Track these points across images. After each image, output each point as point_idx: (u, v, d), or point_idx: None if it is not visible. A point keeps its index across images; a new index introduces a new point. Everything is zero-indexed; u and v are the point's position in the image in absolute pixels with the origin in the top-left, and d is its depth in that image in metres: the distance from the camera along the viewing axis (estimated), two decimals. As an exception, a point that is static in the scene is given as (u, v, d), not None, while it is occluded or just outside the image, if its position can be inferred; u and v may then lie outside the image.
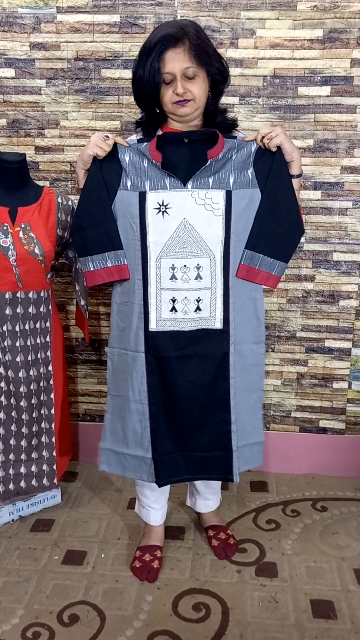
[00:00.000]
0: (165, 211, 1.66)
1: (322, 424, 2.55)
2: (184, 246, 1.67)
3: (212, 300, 1.71)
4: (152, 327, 1.71)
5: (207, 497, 2.11)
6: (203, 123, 1.73)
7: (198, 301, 1.70)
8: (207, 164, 1.63)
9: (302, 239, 2.36)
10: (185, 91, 1.60)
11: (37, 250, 1.96)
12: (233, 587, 1.90)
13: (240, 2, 2.17)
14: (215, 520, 2.16)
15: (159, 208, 1.66)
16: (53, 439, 2.18)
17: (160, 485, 1.81)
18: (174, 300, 1.70)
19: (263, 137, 1.64)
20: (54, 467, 2.20)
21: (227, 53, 2.22)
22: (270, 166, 1.66)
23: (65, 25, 2.25)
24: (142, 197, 1.66)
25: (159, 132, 1.72)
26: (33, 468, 2.17)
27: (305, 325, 2.46)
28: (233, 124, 1.75)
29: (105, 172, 1.67)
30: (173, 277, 1.69)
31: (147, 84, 1.63)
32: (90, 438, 2.61)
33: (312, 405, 2.54)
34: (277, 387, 2.53)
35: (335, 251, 2.37)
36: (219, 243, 1.68)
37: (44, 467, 2.19)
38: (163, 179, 1.65)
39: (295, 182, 1.68)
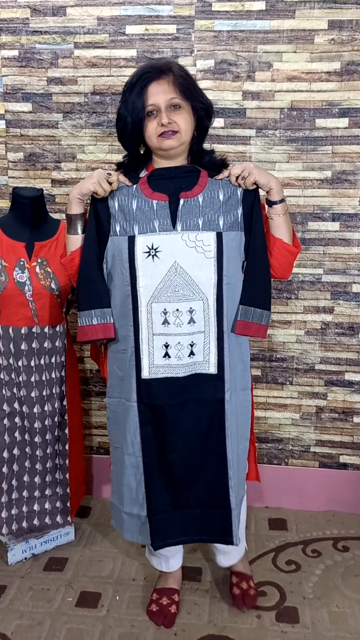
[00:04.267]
0: (155, 255, 1.61)
1: (343, 459, 2.49)
2: (175, 290, 1.62)
3: (205, 344, 1.65)
4: (145, 374, 1.65)
5: (226, 549, 1.93)
6: (190, 162, 1.71)
7: (192, 346, 1.64)
8: (181, 203, 1.61)
9: (320, 270, 2.34)
10: (170, 122, 1.58)
11: (53, 285, 1.94)
12: (253, 633, 1.83)
13: (257, 36, 2.17)
14: (242, 567, 2.03)
15: (148, 252, 1.60)
16: (67, 475, 2.14)
17: (155, 549, 1.75)
18: (167, 346, 1.64)
19: (237, 178, 1.61)
20: (68, 504, 2.16)
21: (244, 86, 2.21)
22: (252, 210, 1.65)
23: (83, 60, 2.26)
24: (131, 241, 1.61)
25: (142, 174, 1.69)
26: (46, 505, 2.13)
27: (324, 358, 2.41)
28: (223, 163, 1.71)
29: (101, 215, 1.65)
30: (165, 322, 1.63)
31: (130, 119, 1.60)
32: (104, 472, 2.55)
33: (332, 439, 2.48)
34: (296, 421, 2.48)
35: (354, 283, 2.33)
36: (211, 286, 1.62)
37: (58, 504, 2.15)
38: (152, 222, 1.61)
39: (279, 208, 1.64)
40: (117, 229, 1.63)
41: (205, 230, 1.61)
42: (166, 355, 1.64)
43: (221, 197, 1.64)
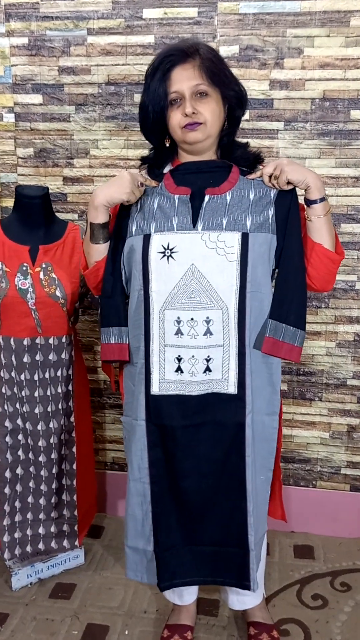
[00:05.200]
0: (170, 255, 1.44)
1: (376, 482, 2.28)
2: (191, 296, 1.44)
3: (224, 360, 1.47)
4: (154, 389, 1.49)
5: (241, 591, 1.65)
6: (220, 157, 1.54)
7: (208, 360, 1.46)
8: (205, 199, 1.45)
9: (354, 277, 2.14)
10: (195, 111, 1.41)
11: (58, 293, 1.78)
12: None
13: (287, 19, 1.97)
14: (260, 615, 1.80)
15: (163, 252, 1.44)
16: (75, 497, 1.99)
17: (162, 589, 1.59)
18: (179, 359, 1.47)
19: (270, 178, 1.45)
20: (76, 527, 2.00)
21: (272, 74, 2.02)
22: (288, 212, 1.47)
23: (96, 47, 2.09)
24: (147, 240, 1.46)
25: (167, 170, 1.54)
26: (52, 529, 1.98)
27: (357, 372, 2.21)
28: (257, 158, 1.53)
29: (122, 219, 1.52)
30: (178, 332, 1.46)
31: (152, 109, 1.45)
32: (118, 488, 2.41)
33: (364, 461, 2.28)
34: (325, 441, 2.28)
35: (391, 291, 2.12)
36: (232, 293, 1.44)
37: (65, 527, 2.00)
38: (170, 219, 1.46)
39: (319, 208, 1.44)
40: (134, 228, 1.49)
41: (229, 230, 1.44)
42: (178, 369, 1.47)
43: (251, 196, 1.47)
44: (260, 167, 1.51)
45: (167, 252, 1.45)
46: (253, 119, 2.06)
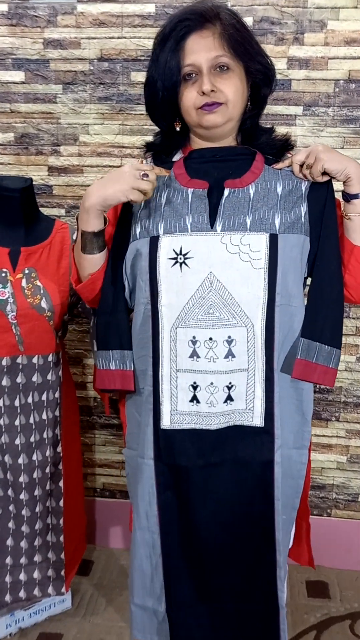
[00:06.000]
0: (184, 262, 1.20)
1: None
2: (209, 311, 1.20)
3: (249, 387, 1.23)
4: (165, 423, 1.25)
5: None
6: (240, 143, 1.29)
7: (229, 388, 1.22)
8: (225, 194, 1.21)
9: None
10: (214, 89, 1.16)
11: (44, 304, 1.51)
12: None
13: (308, -13, 1.72)
14: None
15: (175, 258, 1.20)
16: (61, 538, 1.72)
17: None
18: (195, 387, 1.22)
19: (301, 167, 1.20)
20: (62, 572, 1.74)
21: (290, 51, 1.77)
22: (323, 209, 1.23)
23: (87, 17, 1.82)
24: (154, 243, 1.22)
25: (176, 158, 1.28)
26: (36, 574, 1.71)
27: (379, 390, 1.98)
28: (285, 145, 1.29)
29: (123, 219, 1.27)
30: (194, 355, 1.21)
31: (162, 85, 1.20)
32: (109, 517, 2.16)
33: (385, 488, 2.05)
34: (342, 465, 2.05)
35: None
36: (259, 307, 1.20)
37: (50, 572, 1.73)
38: (183, 218, 1.21)
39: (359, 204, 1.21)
40: (138, 230, 1.25)
41: (255, 231, 1.20)
42: (194, 399, 1.23)
43: (279, 190, 1.23)
44: (289, 155, 1.26)
45: (180, 258, 1.20)
46: (268, 102, 1.78)
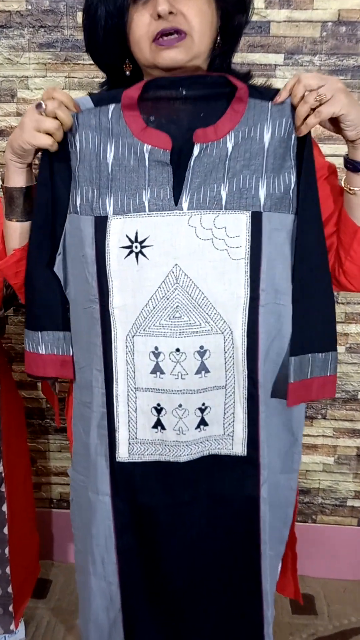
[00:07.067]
0: (141, 252, 0.92)
1: (390, 516, 1.87)
2: (175, 315, 0.94)
3: (227, 408, 0.98)
4: (122, 455, 1.00)
5: None
6: None
7: (202, 410, 0.98)
8: (194, 152, 0.91)
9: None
10: (172, 10, 0.87)
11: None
12: None
13: None
14: None
15: (129, 247, 0.92)
16: (7, 569, 1.47)
17: None
18: (159, 410, 0.97)
19: (302, 100, 0.89)
20: (10, 608, 1.50)
21: (268, -14, 1.47)
22: (300, 172, 0.95)
23: None
24: (101, 226, 0.94)
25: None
26: (-22, 613, 1.47)
27: (370, 384, 1.76)
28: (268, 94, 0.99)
29: (57, 175, 0.97)
30: (157, 371, 0.95)
31: (104, 11, 0.92)
32: (67, 529, 1.88)
33: (376, 491, 1.86)
34: (329, 467, 1.84)
35: None
36: (239, 309, 0.94)
37: (-4, 609, 1.49)
38: (138, 193, 0.93)
39: None
40: (78, 201, 0.95)
41: (232, 209, 0.92)
42: (158, 425, 0.98)
43: (267, 138, 0.92)
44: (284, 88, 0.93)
45: (136, 247, 0.92)
46: (243, 49, 1.51)
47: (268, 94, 0.93)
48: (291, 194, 0.94)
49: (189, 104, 0.94)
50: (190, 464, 0.99)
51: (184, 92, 0.92)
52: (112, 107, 0.92)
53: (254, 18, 1.49)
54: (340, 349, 1.72)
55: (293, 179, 0.94)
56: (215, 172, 0.92)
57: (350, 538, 1.88)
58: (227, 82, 0.92)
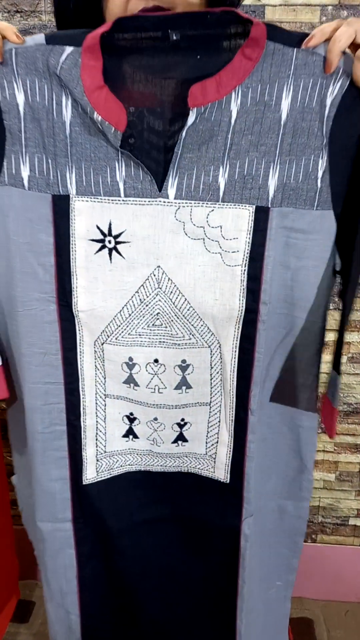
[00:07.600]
0: (115, 248, 0.77)
1: (395, 536, 1.75)
2: (155, 323, 0.81)
3: (211, 427, 0.87)
4: (90, 476, 0.87)
5: None
6: None
7: (181, 426, 0.86)
8: (188, 122, 0.70)
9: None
10: None
11: None
12: None
13: None
14: None
15: (101, 241, 0.77)
16: (-18, 599, 1.37)
17: None
18: (132, 419, 0.86)
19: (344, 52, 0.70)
20: (-14, 640, 1.39)
21: (264, -35, 1.35)
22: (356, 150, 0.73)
23: None
24: (62, 206, 0.76)
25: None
26: None
27: (374, 395, 1.64)
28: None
29: None
30: (131, 382, 0.83)
31: None
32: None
33: (380, 509, 1.74)
34: (330, 484, 1.73)
35: None
36: (231, 322, 0.80)
37: (-31, 642, 1.38)
38: (109, 168, 0.73)
39: None
40: (23, 171, 0.75)
41: (231, 201, 0.74)
42: (130, 433, 0.87)
43: (284, 105, 0.71)
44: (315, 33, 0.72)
45: (109, 242, 0.77)
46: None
47: (293, 38, 0.70)
48: (319, 184, 0.74)
49: (180, 55, 0.71)
50: (165, 478, 0.88)
51: (174, 37, 0.70)
52: (69, 49, 0.70)
53: (248, 1, 1.36)
54: (342, 358, 1.61)
55: (322, 163, 0.73)
56: (213, 148, 0.73)
57: (352, 558, 1.77)
58: (236, 20, 0.69)
